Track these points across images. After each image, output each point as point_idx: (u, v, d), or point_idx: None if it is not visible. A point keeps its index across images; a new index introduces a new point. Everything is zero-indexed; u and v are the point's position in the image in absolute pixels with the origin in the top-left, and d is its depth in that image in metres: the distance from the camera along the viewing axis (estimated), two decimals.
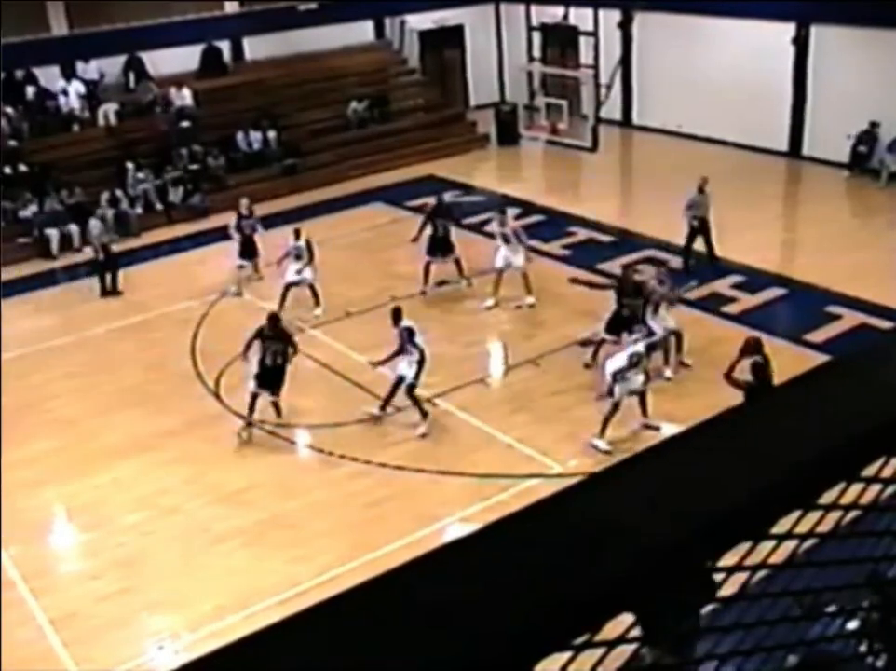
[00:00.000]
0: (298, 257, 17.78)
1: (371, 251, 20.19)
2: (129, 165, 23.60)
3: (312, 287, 17.99)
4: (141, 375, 16.20)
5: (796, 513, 1.10)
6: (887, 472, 1.22)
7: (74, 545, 12.75)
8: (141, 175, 23.55)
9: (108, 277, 19.70)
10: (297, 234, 18.01)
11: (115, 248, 20.07)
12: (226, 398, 15.27)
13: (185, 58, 26.67)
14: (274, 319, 14.60)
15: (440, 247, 18.34)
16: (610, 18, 27.13)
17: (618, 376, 13.17)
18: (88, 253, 20.58)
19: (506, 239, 17.51)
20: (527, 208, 22.94)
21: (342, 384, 15.31)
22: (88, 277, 20.21)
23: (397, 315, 14.39)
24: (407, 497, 12.72)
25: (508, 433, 13.90)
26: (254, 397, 14.20)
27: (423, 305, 18.19)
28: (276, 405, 14.38)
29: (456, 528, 11.70)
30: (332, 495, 12.94)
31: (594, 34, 26.10)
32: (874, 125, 23.15)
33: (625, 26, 27.77)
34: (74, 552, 12.60)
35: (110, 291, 19.69)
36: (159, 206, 23.61)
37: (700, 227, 18.73)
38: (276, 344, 14.32)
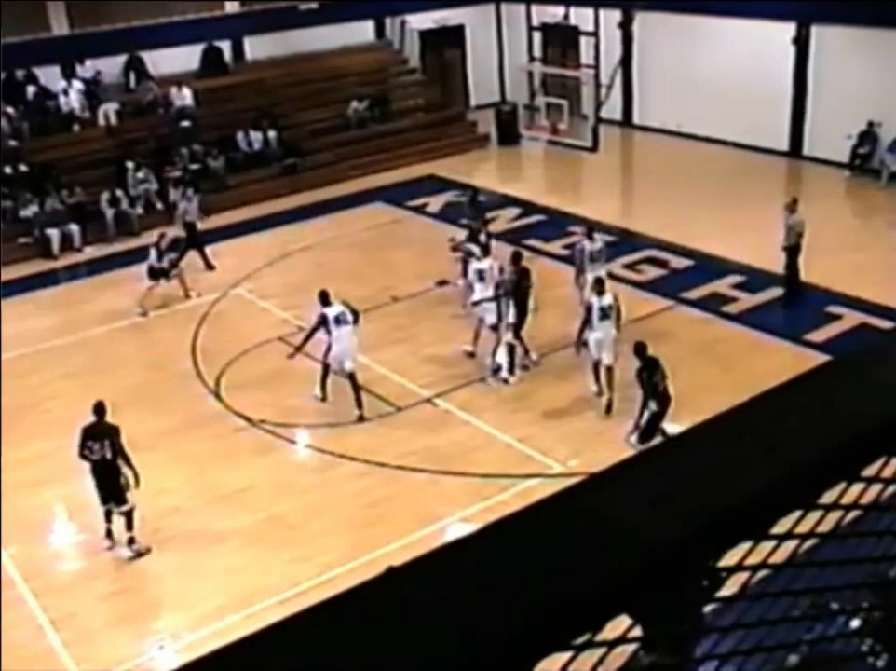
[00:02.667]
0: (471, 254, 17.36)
1: (371, 250, 20.18)
2: (129, 164, 23.59)
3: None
4: (141, 374, 16.20)
5: (797, 514, 1.10)
6: (887, 473, 1.22)
7: (74, 545, 12.73)
8: (140, 175, 23.55)
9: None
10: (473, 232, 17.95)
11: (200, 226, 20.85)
12: (227, 397, 15.27)
13: (186, 58, 26.68)
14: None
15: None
16: (611, 18, 27.12)
17: None
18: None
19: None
20: (528, 208, 22.95)
21: (342, 384, 15.31)
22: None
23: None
24: (407, 497, 12.72)
25: (508, 433, 13.90)
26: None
27: (423, 304, 18.20)
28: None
29: (457, 528, 11.70)
30: (332, 495, 12.94)
31: (595, 33, 26.07)
32: (872, 124, 23.16)
33: (625, 26, 27.79)
34: (73, 552, 12.59)
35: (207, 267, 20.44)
36: (160, 206, 23.62)
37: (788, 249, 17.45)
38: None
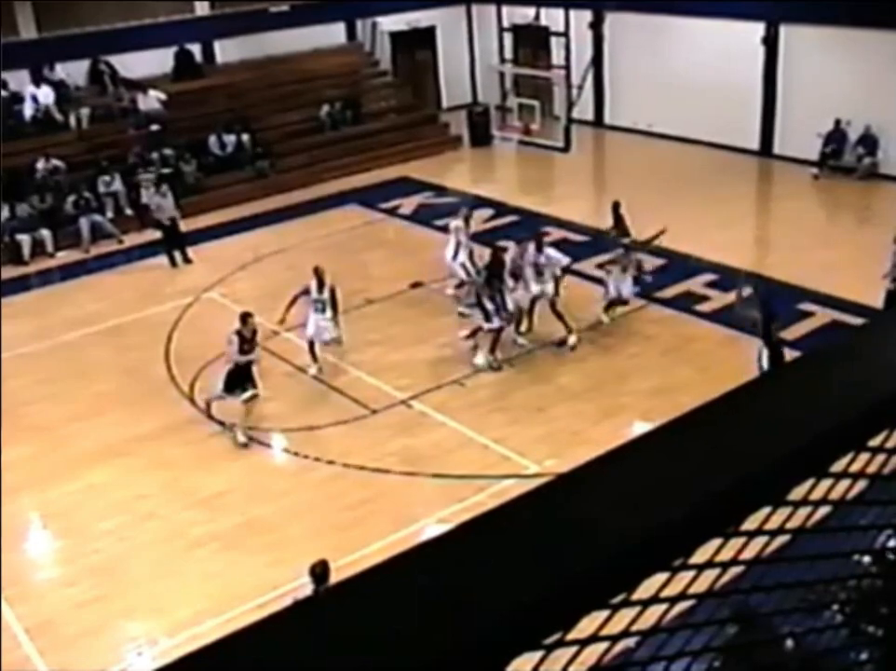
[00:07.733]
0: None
1: (345, 252, 20.13)
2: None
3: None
4: (115, 380, 16.11)
5: (765, 510, 1.11)
6: (855, 468, 1.23)
7: (50, 552, 12.66)
8: (108, 178, 23.39)
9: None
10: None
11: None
12: (201, 402, 15.21)
13: (157, 61, 26.50)
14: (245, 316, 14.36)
15: None
16: (581, 18, 27.24)
17: None
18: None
19: (538, 271, 16.52)
20: (500, 208, 22.97)
21: (316, 387, 15.29)
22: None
23: None
24: (384, 499, 12.71)
25: (484, 434, 13.91)
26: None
27: (396, 306, 18.19)
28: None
29: (434, 530, 11.69)
30: (309, 498, 12.91)
31: (565, 34, 26.19)
32: (839, 123, 23.35)
33: (596, 27, 27.89)
34: (49, 559, 12.52)
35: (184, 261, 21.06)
36: (129, 211, 23.50)
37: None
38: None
